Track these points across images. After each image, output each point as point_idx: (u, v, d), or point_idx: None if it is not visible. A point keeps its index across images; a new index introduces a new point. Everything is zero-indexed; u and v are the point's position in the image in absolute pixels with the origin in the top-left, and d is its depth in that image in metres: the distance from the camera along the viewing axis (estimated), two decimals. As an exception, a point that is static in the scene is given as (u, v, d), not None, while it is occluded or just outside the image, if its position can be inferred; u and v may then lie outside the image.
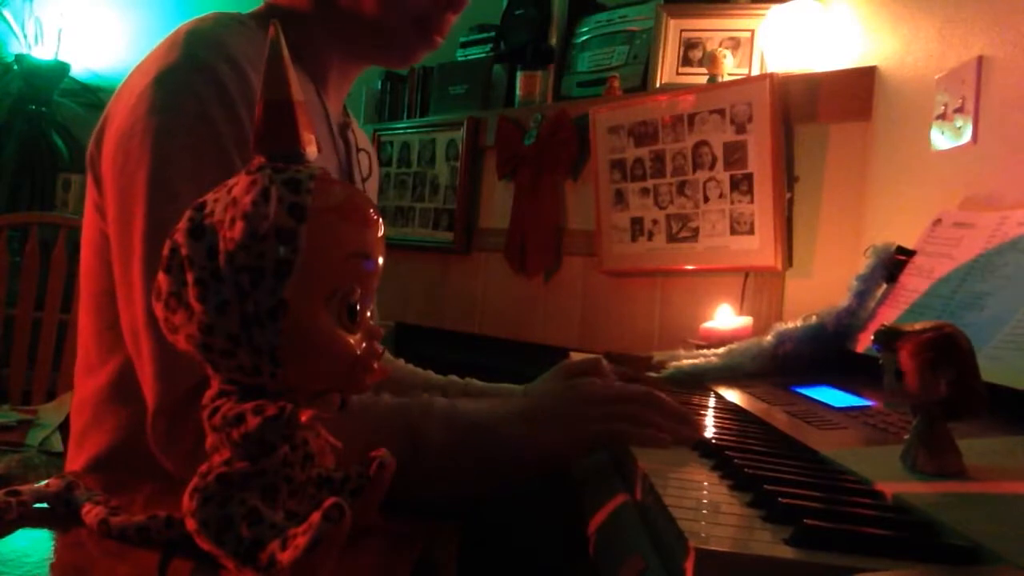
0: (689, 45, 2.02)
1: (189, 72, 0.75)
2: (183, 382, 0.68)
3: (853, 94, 1.60)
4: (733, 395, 0.89)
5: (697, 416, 0.78)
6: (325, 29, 0.89)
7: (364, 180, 1.03)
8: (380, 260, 0.48)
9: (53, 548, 0.56)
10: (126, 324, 0.75)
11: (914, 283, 0.96)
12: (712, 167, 1.79)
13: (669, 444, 0.64)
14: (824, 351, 1.00)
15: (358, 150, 1.02)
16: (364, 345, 0.46)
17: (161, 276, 0.46)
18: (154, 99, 0.74)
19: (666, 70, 2.03)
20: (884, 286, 1.02)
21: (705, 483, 0.53)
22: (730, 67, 1.88)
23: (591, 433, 0.70)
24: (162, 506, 0.56)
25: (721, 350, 1.05)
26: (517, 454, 0.71)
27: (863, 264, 1.04)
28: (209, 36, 0.78)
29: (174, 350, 0.69)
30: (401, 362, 1.15)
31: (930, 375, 0.50)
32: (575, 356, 1.18)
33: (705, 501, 0.48)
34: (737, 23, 1.96)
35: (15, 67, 3.18)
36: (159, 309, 0.46)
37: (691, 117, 1.81)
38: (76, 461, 0.84)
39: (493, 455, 0.71)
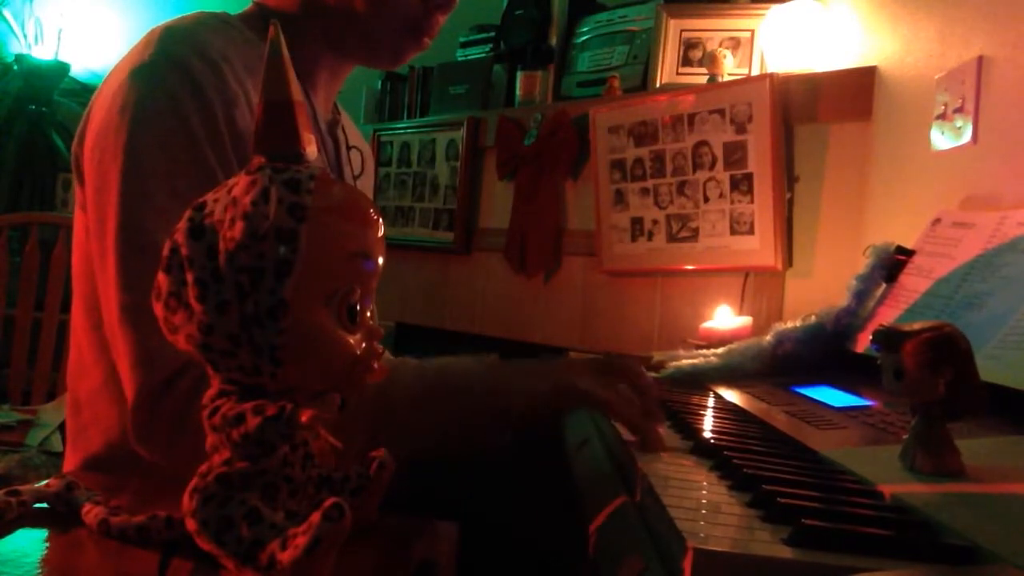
0: (689, 45, 2.02)
1: (163, 68, 0.75)
2: (159, 374, 0.69)
3: (853, 94, 1.60)
4: (733, 395, 0.89)
5: (697, 416, 0.78)
6: (314, 29, 0.89)
7: (356, 178, 1.03)
8: (380, 260, 0.48)
9: (53, 548, 0.56)
10: (105, 319, 0.75)
11: (914, 283, 0.96)
12: (712, 167, 1.79)
13: (630, 419, 0.65)
14: (823, 351, 1.00)
15: (349, 147, 1.02)
16: (364, 345, 0.46)
17: (161, 276, 0.46)
18: (128, 96, 0.74)
19: (666, 70, 2.03)
20: (883, 286, 1.03)
21: (704, 483, 0.53)
22: (730, 67, 1.88)
23: (558, 385, 0.70)
24: (158, 505, 0.56)
25: (721, 350, 1.05)
26: (485, 400, 0.71)
27: (863, 264, 1.04)
28: (185, 33, 0.78)
29: (149, 343, 0.69)
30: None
31: (929, 375, 0.50)
32: (575, 356, 1.19)
33: (704, 501, 0.48)
34: (737, 23, 1.96)
35: (15, 67, 3.18)
36: (159, 309, 0.46)
37: (691, 117, 1.81)
38: (72, 461, 0.84)
39: (461, 402, 0.71)
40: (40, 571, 0.52)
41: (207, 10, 0.86)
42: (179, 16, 0.81)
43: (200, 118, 0.74)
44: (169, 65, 0.75)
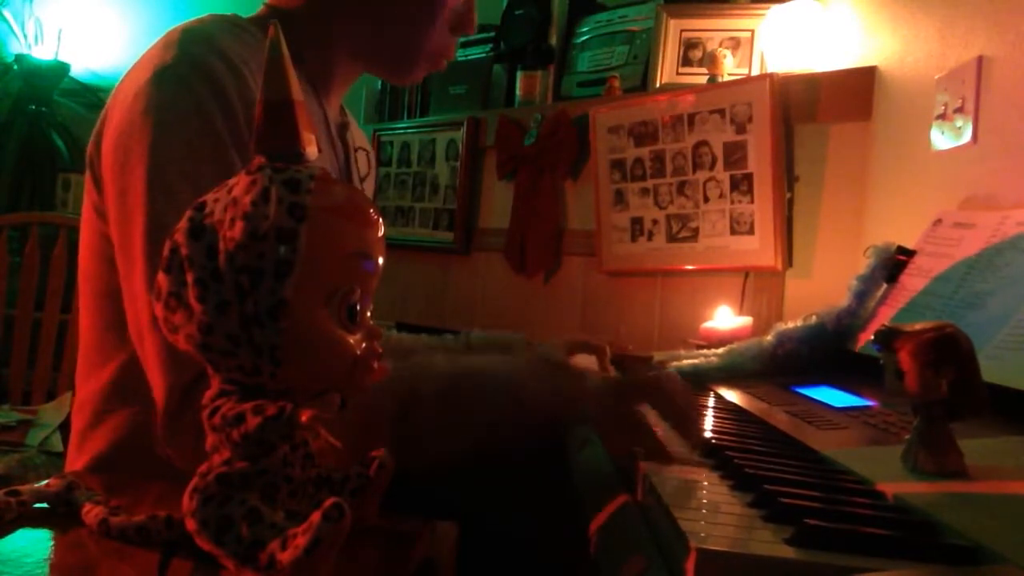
0: (689, 45, 2.02)
1: (185, 70, 0.75)
2: (188, 374, 0.69)
3: (853, 94, 1.60)
4: (733, 395, 0.89)
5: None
6: (334, 34, 0.90)
7: (362, 180, 1.04)
8: (380, 260, 0.48)
9: (53, 548, 0.56)
10: (131, 323, 0.75)
11: (914, 283, 0.96)
12: (712, 167, 1.79)
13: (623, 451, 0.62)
14: (824, 351, 1.00)
15: (356, 149, 1.03)
16: (364, 345, 0.46)
17: (161, 276, 0.46)
18: (151, 97, 0.74)
19: (666, 70, 2.03)
20: (884, 286, 1.02)
21: (706, 483, 0.53)
22: (730, 67, 1.88)
23: (583, 399, 0.68)
24: (163, 506, 0.56)
25: (721, 350, 1.05)
26: (511, 399, 0.69)
27: (863, 264, 1.04)
28: (204, 35, 0.79)
29: (177, 347, 0.69)
30: (395, 333, 1.17)
31: (931, 375, 0.50)
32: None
33: (705, 501, 0.48)
34: (737, 23, 1.96)
35: (15, 67, 3.18)
36: (159, 309, 0.46)
37: (691, 117, 1.81)
38: (77, 462, 0.84)
39: (488, 400, 0.70)
40: (40, 571, 0.52)
41: (214, 11, 0.86)
42: (195, 18, 0.82)
43: (224, 119, 0.75)
44: (191, 67, 0.75)
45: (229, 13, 0.86)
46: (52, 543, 0.57)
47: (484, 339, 1.17)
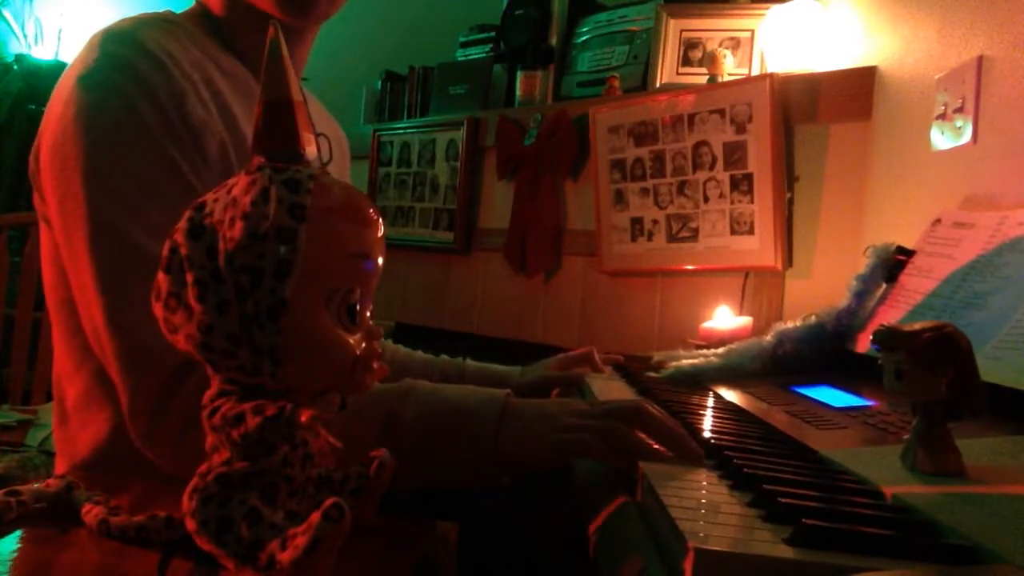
0: (689, 45, 2.02)
1: (108, 71, 0.75)
2: (153, 376, 0.68)
3: (853, 94, 1.60)
4: (733, 395, 0.89)
5: (697, 416, 0.78)
6: (244, 11, 0.86)
7: (323, 165, 1.01)
8: (380, 260, 0.48)
9: (52, 548, 0.56)
10: (88, 327, 0.75)
11: (914, 283, 0.96)
12: (712, 167, 1.79)
13: (623, 464, 0.61)
14: (824, 351, 0.99)
15: (316, 135, 1.01)
16: (364, 345, 0.46)
17: (161, 276, 0.46)
18: (79, 102, 0.74)
19: (666, 70, 2.03)
20: (884, 286, 1.02)
21: (704, 483, 0.53)
22: (730, 67, 1.88)
23: (559, 440, 0.66)
24: (152, 505, 0.56)
25: (721, 350, 1.05)
26: (490, 438, 0.68)
27: (863, 264, 1.04)
28: (126, 34, 0.78)
29: (138, 344, 0.67)
30: (390, 344, 1.16)
31: (930, 375, 0.50)
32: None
33: (704, 501, 0.48)
34: (737, 23, 1.96)
35: (15, 67, 3.18)
36: (159, 309, 0.46)
37: (691, 117, 1.81)
38: (60, 468, 0.83)
39: (465, 436, 0.68)
40: (40, 571, 0.52)
41: (153, 10, 0.85)
42: (119, 19, 0.81)
43: (153, 113, 0.74)
44: (114, 67, 0.75)
45: (161, 11, 0.86)
46: (51, 543, 0.57)
47: (480, 370, 1.15)
